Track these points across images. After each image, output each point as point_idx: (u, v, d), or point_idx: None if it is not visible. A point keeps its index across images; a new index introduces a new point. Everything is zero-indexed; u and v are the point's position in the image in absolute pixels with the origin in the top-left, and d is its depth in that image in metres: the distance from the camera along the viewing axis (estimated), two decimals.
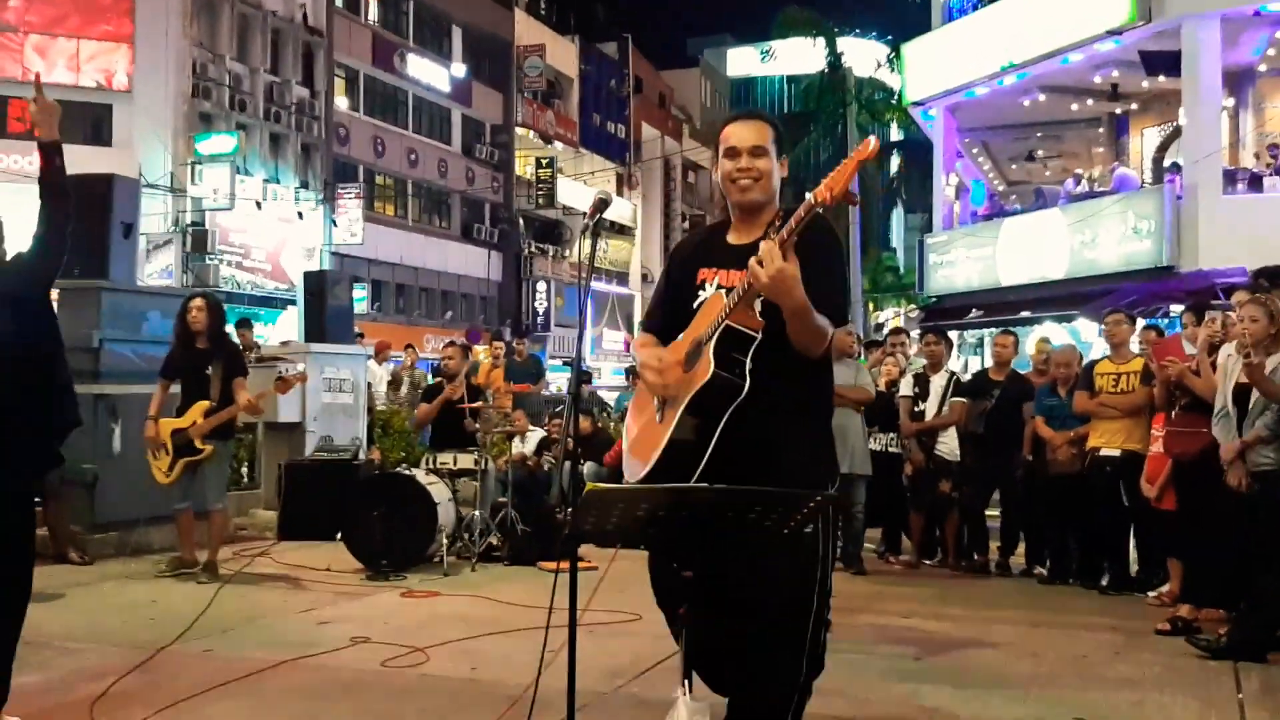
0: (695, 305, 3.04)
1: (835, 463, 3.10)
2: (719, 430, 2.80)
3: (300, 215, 29.35)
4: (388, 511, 7.55)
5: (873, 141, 2.82)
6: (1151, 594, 6.90)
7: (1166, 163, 18.64)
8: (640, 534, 2.69)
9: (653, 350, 3.10)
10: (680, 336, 3.03)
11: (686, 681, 2.76)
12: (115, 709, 4.14)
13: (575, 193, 39.42)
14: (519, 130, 39.18)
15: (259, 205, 27.61)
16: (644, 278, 44.54)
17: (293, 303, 27.00)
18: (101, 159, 20.00)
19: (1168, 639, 5.68)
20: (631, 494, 2.64)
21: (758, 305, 2.87)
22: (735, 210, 3.13)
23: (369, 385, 11.83)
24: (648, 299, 3.17)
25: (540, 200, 39.40)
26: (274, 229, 28.57)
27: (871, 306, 34.45)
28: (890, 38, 27.51)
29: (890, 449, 8.51)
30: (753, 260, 2.74)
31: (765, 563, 2.84)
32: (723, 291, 2.98)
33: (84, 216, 8.49)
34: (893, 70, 26.21)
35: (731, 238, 3.14)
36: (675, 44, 62.17)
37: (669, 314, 3.22)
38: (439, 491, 7.85)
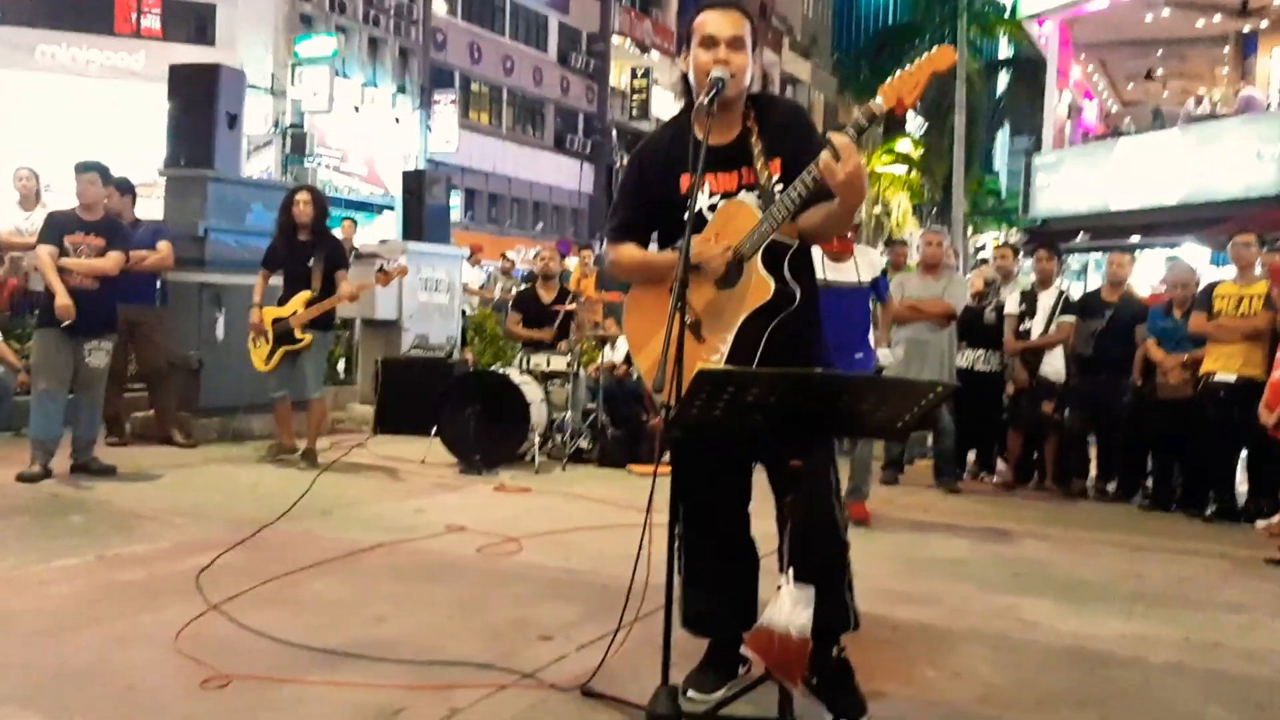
0: (686, 215, 2.78)
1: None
2: (764, 339, 2.86)
3: (397, 121, 29.44)
4: (482, 409, 7.59)
5: (951, 51, 2.68)
6: (1261, 523, 6.67)
7: None
8: (745, 421, 2.60)
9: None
10: (683, 244, 2.74)
11: (791, 569, 2.70)
12: (219, 578, 4.24)
13: (670, 104, 38.86)
14: (615, 39, 38.64)
15: (357, 109, 27.75)
16: None
17: (389, 208, 27.25)
18: (205, 58, 20.12)
19: (1278, 568, 5.49)
20: (745, 377, 2.56)
21: None
22: (709, 105, 2.84)
23: (464, 286, 11.90)
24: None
25: (634, 111, 38.97)
26: (371, 134, 28.74)
27: (971, 230, 33.45)
28: None
29: (977, 367, 8.21)
30: (825, 155, 2.64)
31: None
32: (744, 199, 2.93)
33: (190, 106, 8.72)
34: None
35: (710, 137, 2.88)
36: None
37: (646, 221, 3.15)
38: (531, 391, 7.87)
